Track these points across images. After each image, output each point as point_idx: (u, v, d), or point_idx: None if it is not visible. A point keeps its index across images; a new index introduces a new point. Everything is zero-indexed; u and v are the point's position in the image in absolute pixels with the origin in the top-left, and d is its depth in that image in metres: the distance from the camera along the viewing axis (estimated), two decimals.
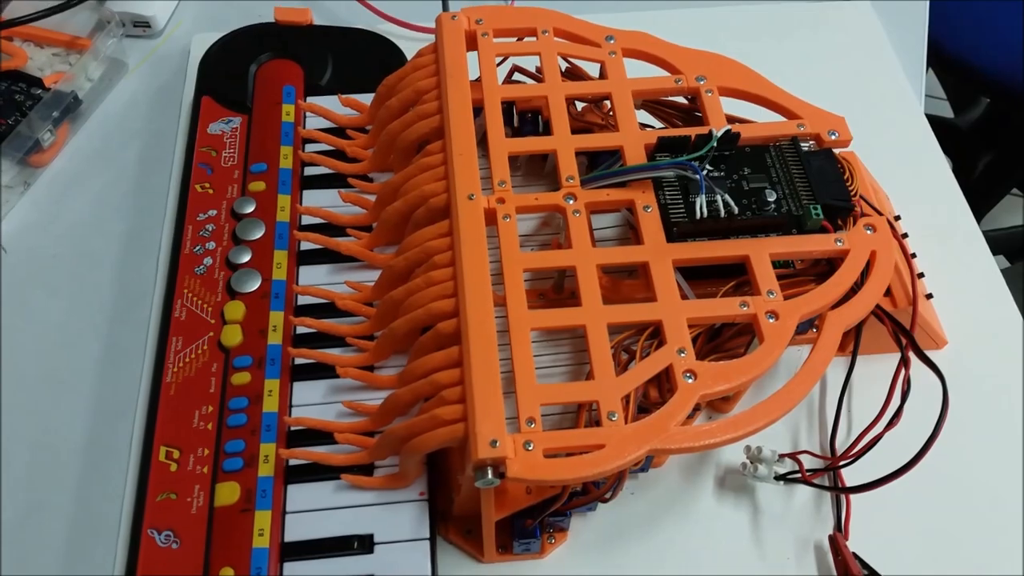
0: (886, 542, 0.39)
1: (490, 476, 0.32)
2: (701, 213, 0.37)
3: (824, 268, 0.40)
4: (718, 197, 0.38)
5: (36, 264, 0.48)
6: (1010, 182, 1.05)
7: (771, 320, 0.36)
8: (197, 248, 0.43)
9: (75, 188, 0.51)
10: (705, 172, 0.39)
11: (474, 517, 0.37)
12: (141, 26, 0.57)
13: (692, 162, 0.39)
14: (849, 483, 0.39)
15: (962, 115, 1.11)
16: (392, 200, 0.42)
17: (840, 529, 0.39)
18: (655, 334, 0.36)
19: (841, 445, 0.42)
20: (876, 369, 0.41)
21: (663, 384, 0.36)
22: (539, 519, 0.36)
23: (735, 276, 0.39)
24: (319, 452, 0.37)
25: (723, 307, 0.36)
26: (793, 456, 0.39)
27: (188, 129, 0.52)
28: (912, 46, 0.59)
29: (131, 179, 0.51)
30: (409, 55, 0.52)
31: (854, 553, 0.38)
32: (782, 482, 0.40)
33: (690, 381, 0.34)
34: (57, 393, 0.44)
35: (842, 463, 0.38)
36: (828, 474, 0.40)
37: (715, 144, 0.39)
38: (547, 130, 0.43)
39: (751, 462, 0.40)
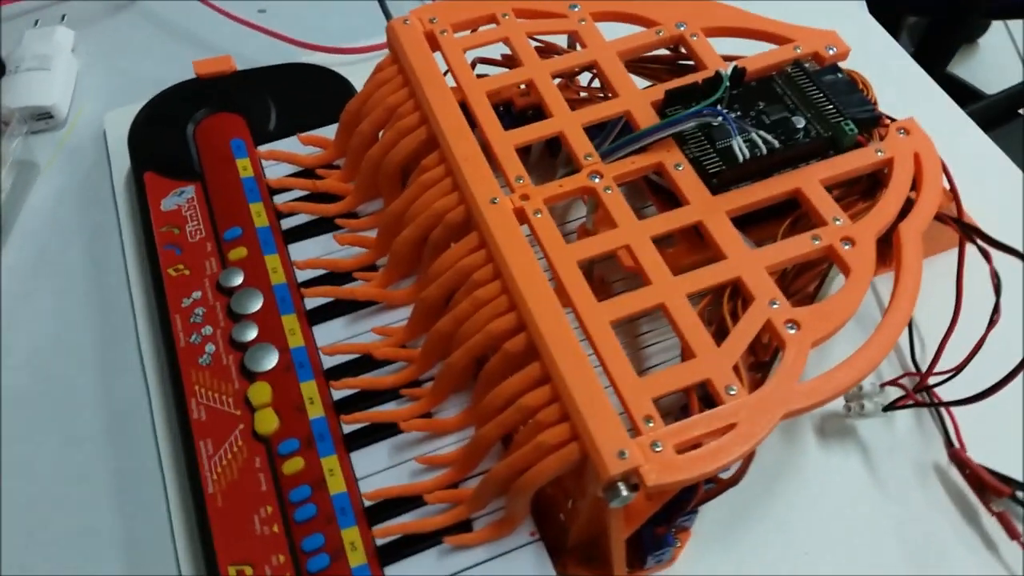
0: (998, 448, 0.38)
1: (624, 492, 0.28)
2: (743, 155, 0.35)
3: (865, 185, 0.38)
4: (752, 135, 0.35)
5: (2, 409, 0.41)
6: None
7: (847, 247, 0.34)
8: (193, 337, 0.38)
9: (21, 311, 0.44)
10: (731, 114, 0.36)
11: (591, 543, 0.34)
12: (43, 119, 0.51)
13: (713, 107, 0.36)
14: (944, 395, 0.37)
15: None
16: (399, 229, 0.38)
17: (955, 445, 0.37)
18: (734, 294, 0.33)
19: (920, 359, 0.40)
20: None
21: (757, 343, 0.33)
22: (672, 523, 0.33)
23: (778, 217, 0.37)
24: (411, 522, 0.33)
25: (796, 247, 0.34)
26: (894, 383, 0.37)
27: (132, 213, 0.46)
28: None
29: (82, 285, 0.45)
30: (349, 79, 0.48)
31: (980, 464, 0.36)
32: (888, 413, 0.37)
33: (793, 332, 0.31)
34: (78, 549, 0.37)
35: (949, 375, 0.36)
36: (923, 393, 0.38)
37: (728, 83, 0.37)
38: (520, 120, 0.40)
39: (853, 401, 0.37)
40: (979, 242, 0.36)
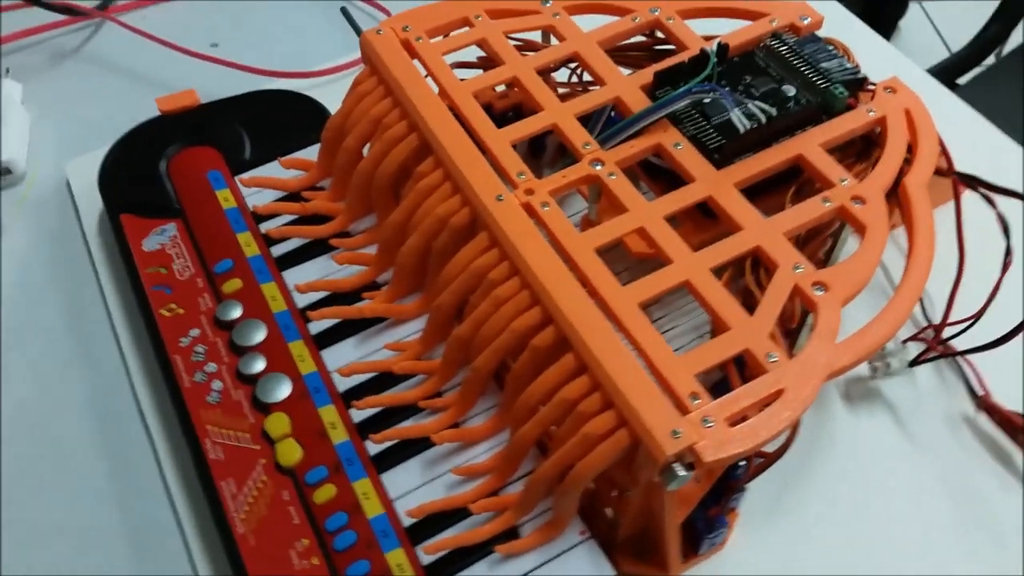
0: (1019, 389, 0.38)
1: (681, 473, 0.28)
2: (743, 127, 0.35)
3: (859, 147, 0.38)
4: (749, 106, 0.35)
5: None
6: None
7: (858, 205, 0.34)
8: (198, 376, 0.36)
9: (3, 377, 0.42)
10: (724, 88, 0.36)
11: (641, 536, 0.33)
12: (1, 175, 0.48)
13: (705, 83, 0.36)
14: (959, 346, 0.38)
15: None
16: (401, 240, 0.37)
17: (980, 392, 0.37)
18: (756, 264, 0.33)
19: (930, 311, 0.40)
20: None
21: (783, 311, 0.33)
22: (725, 504, 0.32)
23: (778, 188, 0.37)
24: (458, 535, 0.31)
25: (809, 211, 0.34)
26: (916, 338, 0.37)
27: (110, 258, 0.44)
28: None
29: (66, 341, 0.43)
30: (320, 101, 0.47)
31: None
32: (910, 371, 0.37)
33: (822, 293, 0.31)
34: None
35: (969, 323, 0.36)
36: (943, 345, 0.38)
37: (716, 60, 0.37)
38: (501, 123, 0.39)
39: (878, 361, 0.37)
40: (981, 189, 0.37)
